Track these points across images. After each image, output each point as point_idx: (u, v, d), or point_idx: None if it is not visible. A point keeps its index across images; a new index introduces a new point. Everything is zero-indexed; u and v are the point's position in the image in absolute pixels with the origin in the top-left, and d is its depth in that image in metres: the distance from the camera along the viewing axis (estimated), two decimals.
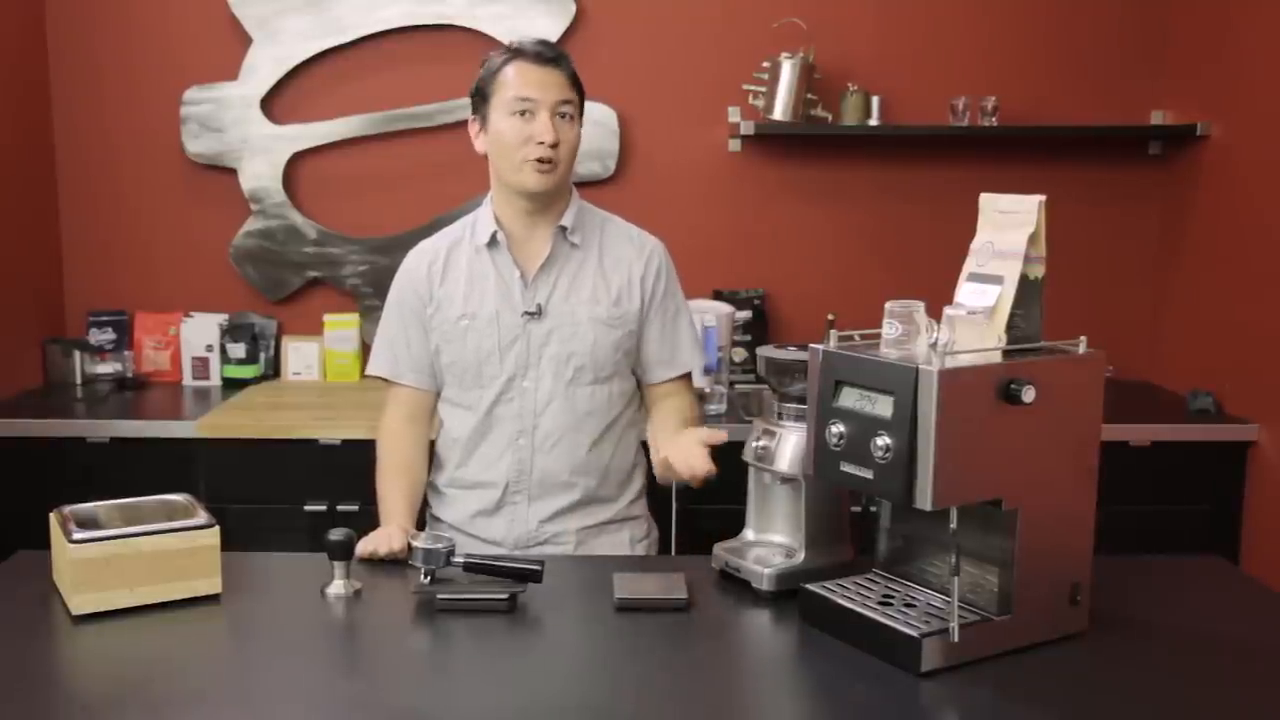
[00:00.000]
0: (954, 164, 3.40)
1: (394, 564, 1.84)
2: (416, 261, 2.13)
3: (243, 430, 2.87)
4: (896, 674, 1.46)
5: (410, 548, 1.71)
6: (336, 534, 1.71)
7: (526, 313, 2.04)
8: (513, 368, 2.05)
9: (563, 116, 1.98)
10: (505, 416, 2.06)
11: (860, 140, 3.38)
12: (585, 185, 3.31)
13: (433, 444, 2.17)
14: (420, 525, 2.10)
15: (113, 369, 3.31)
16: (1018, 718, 1.39)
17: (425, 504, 2.16)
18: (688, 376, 2.17)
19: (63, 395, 3.18)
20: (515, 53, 2.00)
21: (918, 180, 3.44)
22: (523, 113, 1.96)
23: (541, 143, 1.96)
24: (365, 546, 1.85)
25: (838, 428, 1.51)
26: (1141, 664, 1.51)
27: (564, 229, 2.06)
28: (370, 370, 2.18)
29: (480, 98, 2.03)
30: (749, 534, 1.82)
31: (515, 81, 1.97)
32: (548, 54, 2.00)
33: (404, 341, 2.12)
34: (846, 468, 1.50)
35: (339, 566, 1.72)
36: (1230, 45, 3.10)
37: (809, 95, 3.23)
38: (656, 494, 2.25)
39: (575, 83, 2.02)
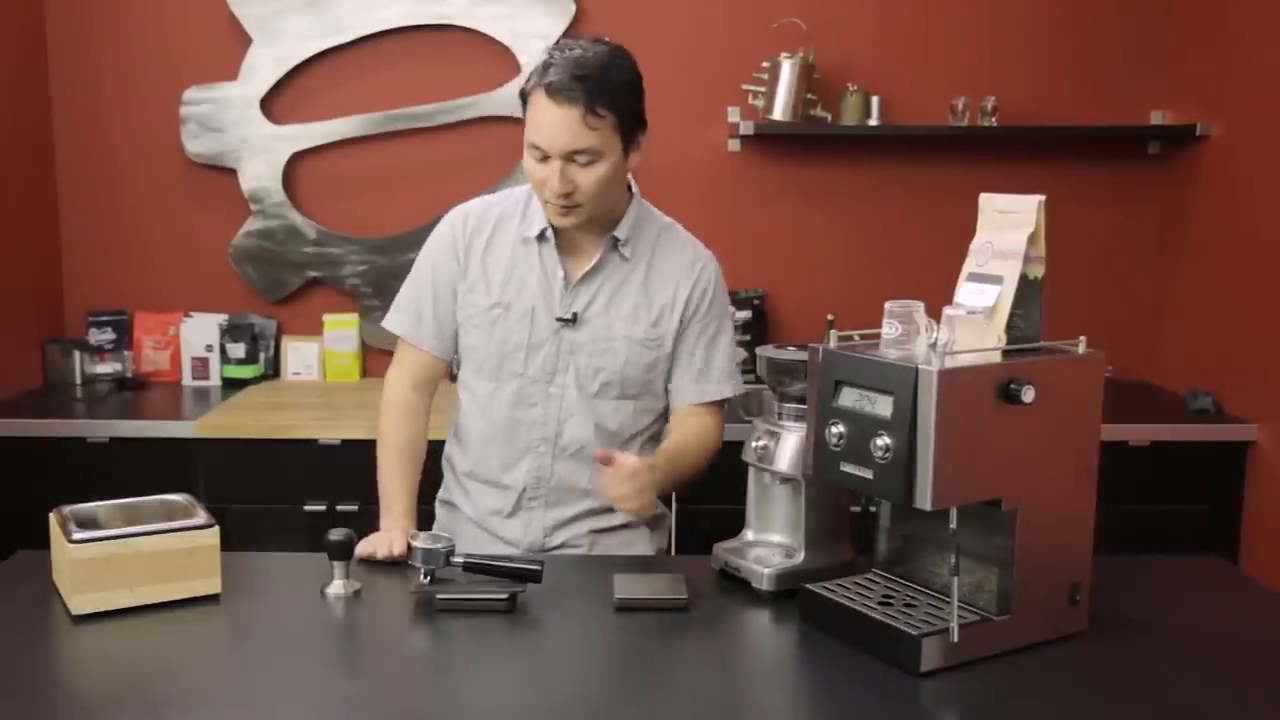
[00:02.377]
0: (954, 164, 3.40)
1: (394, 564, 1.83)
2: (462, 225, 2.04)
3: (242, 430, 2.87)
4: (896, 674, 1.46)
5: (410, 548, 1.70)
6: (336, 534, 1.71)
7: (561, 319, 1.98)
8: (537, 370, 2.00)
9: (580, 163, 1.85)
10: (528, 421, 2.01)
11: (860, 140, 3.38)
12: None
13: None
14: (426, 520, 2.08)
15: (112, 369, 3.31)
16: (1018, 718, 1.39)
17: (439, 484, 2.14)
18: (719, 404, 2.07)
19: (62, 395, 3.18)
20: (541, 76, 1.84)
21: (917, 180, 3.44)
22: (539, 158, 1.86)
23: (552, 189, 1.87)
24: (365, 548, 1.85)
25: (837, 428, 1.51)
26: (1141, 664, 1.51)
27: (616, 240, 1.98)
28: (388, 324, 2.09)
29: (524, 110, 1.90)
30: (749, 534, 1.82)
31: (532, 119, 1.85)
32: (565, 88, 1.81)
33: (430, 303, 2.05)
34: (846, 468, 1.50)
35: (339, 566, 1.71)
36: (1230, 45, 3.10)
37: (809, 95, 3.23)
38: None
39: (606, 109, 1.82)
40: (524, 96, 1.89)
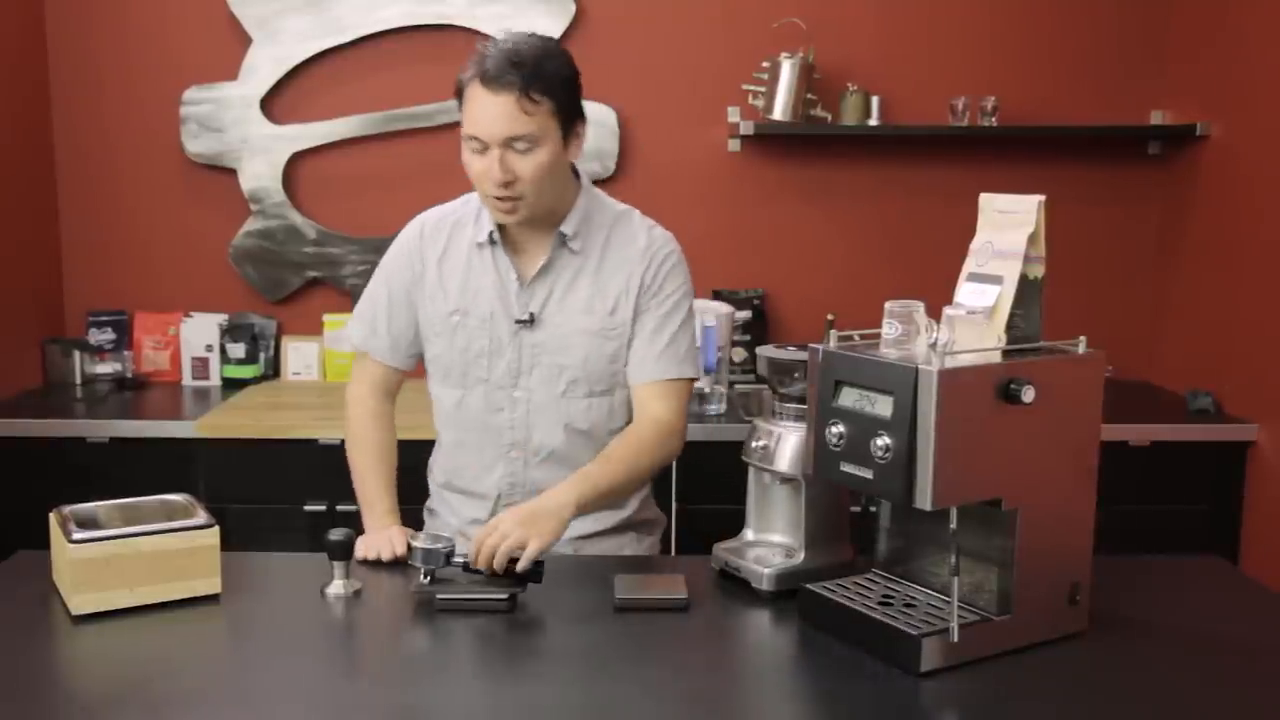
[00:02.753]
0: (954, 164, 3.40)
1: (394, 564, 1.84)
2: (416, 235, 2.05)
3: (242, 430, 2.87)
4: (896, 674, 1.46)
5: (410, 548, 1.70)
6: (336, 534, 1.71)
7: (519, 321, 1.97)
8: (502, 375, 1.98)
9: (519, 151, 1.83)
10: (496, 426, 2.00)
11: (860, 140, 3.38)
12: None
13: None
14: (412, 523, 2.08)
15: (112, 369, 3.31)
16: (1018, 718, 1.39)
17: (419, 489, 2.13)
18: (672, 385, 1.99)
19: (62, 395, 3.18)
20: (477, 68, 1.83)
21: (917, 180, 3.44)
22: (476, 149, 1.85)
23: (492, 180, 1.85)
24: (366, 551, 1.85)
25: (838, 428, 1.51)
26: (1141, 664, 1.51)
27: (564, 235, 1.98)
28: (346, 332, 2.10)
29: (460, 106, 1.91)
30: (749, 534, 1.82)
31: (469, 112, 1.85)
32: (499, 76, 1.80)
33: (386, 316, 2.05)
34: (846, 468, 1.50)
35: (339, 566, 1.71)
36: (1230, 45, 3.10)
37: (809, 95, 3.23)
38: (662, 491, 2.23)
39: (541, 94, 1.82)
40: (459, 93, 1.89)
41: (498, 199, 1.87)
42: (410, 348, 2.07)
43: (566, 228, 1.97)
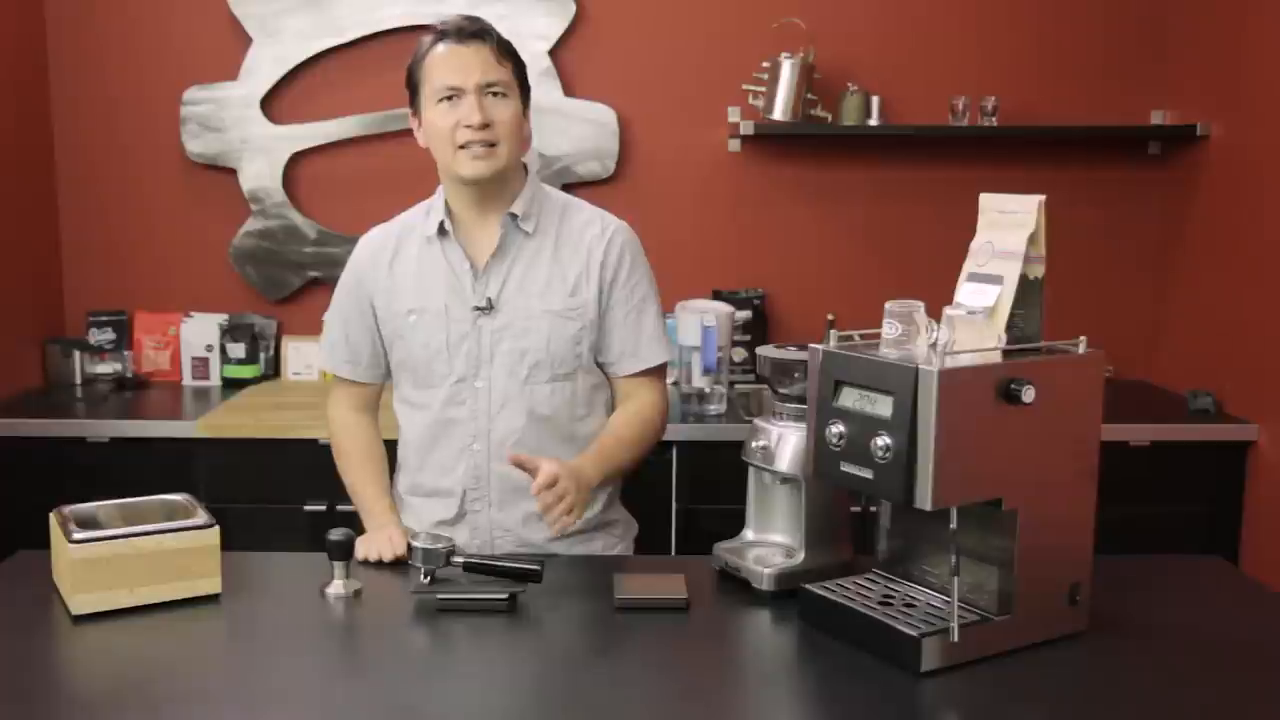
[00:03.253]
0: (954, 164, 3.41)
1: (394, 564, 1.84)
2: (365, 249, 2.07)
3: (243, 430, 2.87)
4: (896, 674, 1.46)
5: (410, 548, 1.70)
6: (336, 534, 1.71)
7: (477, 307, 1.95)
8: (463, 367, 1.97)
9: (494, 95, 1.88)
10: (457, 419, 1.98)
11: (860, 140, 3.38)
12: (585, 185, 3.31)
13: (393, 445, 2.12)
14: None
15: (113, 369, 3.31)
16: (1018, 718, 1.39)
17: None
18: (656, 371, 2.05)
19: (63, 395, 3.19)
20: (438, 35, 1.91)
21: (917, 180, 3.44)
22: (450, 99, 1.88)
23: (470, 126, 1.87)
24: (366, 552, 1.85)
25: (838, 428, 1.51)
26: (1141, 664, 1.51)
27: (514, 216, 1.96)
28: (318, 362, 2.14)
29: (412, 90, 1.96)
30: (749, 534, 1.82)
31: (439, 67, 1.89)
32: (468, 29, 1.89)
33: (342, 334, 2.07)
34: (846, 468, 1.50)
35: (339, 566, 1.72)
36: (1230, 45, 3.10)
37: (809, 95, 3.23)
38: (649, 493, 2.22)
39: (506, 55, 1.91)
40: (414, 70, 1.94)
41: (474, 144, 1.88)
42: (373, 360, 2.08)
43: (516, 208, 1.97)
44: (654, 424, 2.02)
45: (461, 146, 1.89)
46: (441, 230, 1.98)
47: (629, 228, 2.06)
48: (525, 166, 2.03)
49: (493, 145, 1.89)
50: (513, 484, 1.93)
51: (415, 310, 1.98)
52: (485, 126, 1.87)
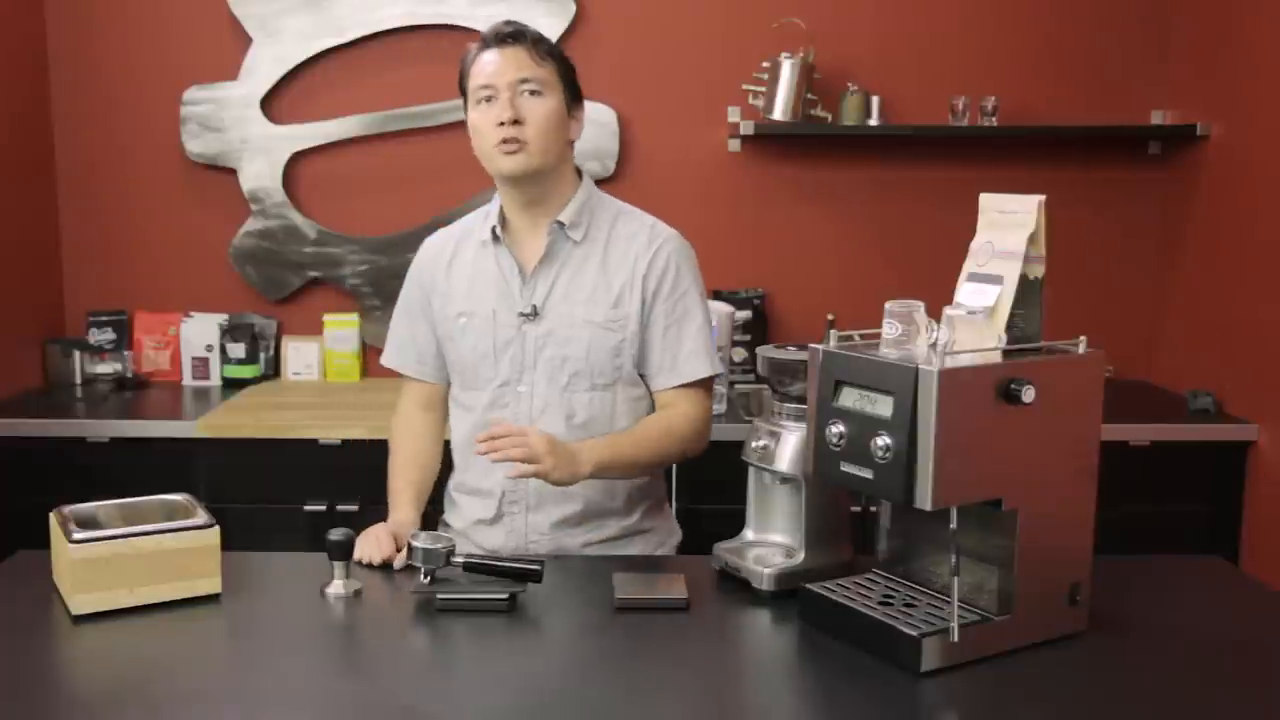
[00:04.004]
0: (954, 164, 3.41)
1: (394, 563, 1.83)
2: (426, 251, 2.12)
3: (243, 430, 2.87)
4: (896, 674, 1.46)
5: (410, 548, 1.70)
6: (336, 534, 1.71)
7: (522, 314, 1.99)
8: (507, 371, 2.00)
9: (530, 94, 1.92)
10: (501, 422, 1.99)
11: (860, 140, 3.38)
12: None
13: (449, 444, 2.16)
14: (430, 525, 2.08)
15: (113, 369, 3.30)
16: (1018, 718, 1.39)
17: (440, 509, 2.16)
18: (696, 386, 2.02)
19: (63, 395, 3.18)
20: (481, 43, 1.97)
21: (917, 180, 3.44)
22: (487, 99, 1.93)
23: (501, 123, 1.90)
24: (360, 553, 1.84)
25: (838, 428, 1.51)
26: (1141, 664, 1.51)
27: (560, 224, 1.98)
28: (382, 359, 2.20)
29: (463, 97, 2.01)
30: (749, 534, 1.82)
31: (478, 71, 1.95)
32: (505, 32, 1.95)
33: (410, 333, 2.13)
34: (846, 468, 1.50)
35: (339, 566, 1.72)
36: (1231, 45, 3.10)
37: (809, 95, 3.23)
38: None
39: (546, 55, 1.96)
40: (461, 78, 1.99)
41: (504, 141, 1.91)
42: (436, 360, 2.12)
43: (564, 216, 1.99)
44: (679, 435, 1.99)
45: (498, 144, 1.92)
46: (494, 235, 2.02)
47: (679, 237, 2.05)
48: (580, 173, 2.06)
49: (524, 142, 1.91)
50: (548, 488, 1.95)
51: (466, 313, 2.02)
52: (516, 123, 1.90)
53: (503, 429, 1.81)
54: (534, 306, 1.98)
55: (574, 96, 2.00)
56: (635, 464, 1.97)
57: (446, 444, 2.16)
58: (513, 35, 1.95)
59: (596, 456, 1.88)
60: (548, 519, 2.01)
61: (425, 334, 2.10)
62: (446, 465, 2.17)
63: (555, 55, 1.98)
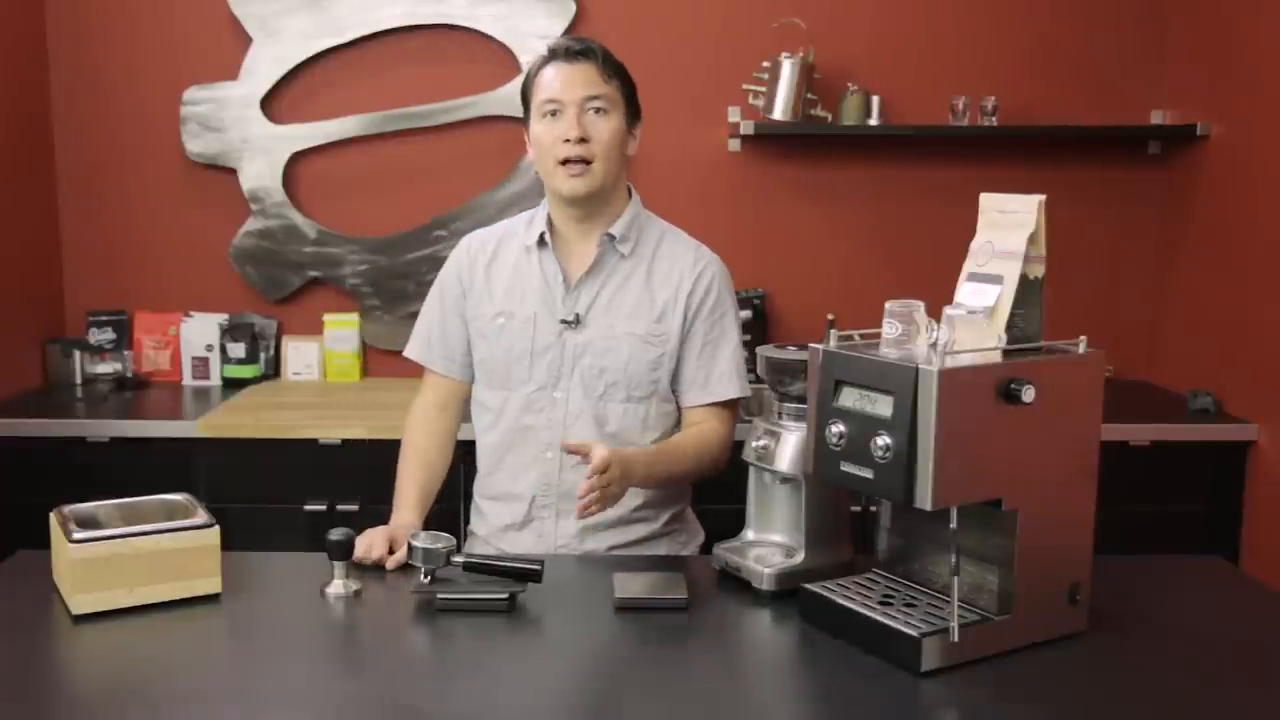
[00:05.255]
0: (954, 164, 3.40)
1: (397, 562, 1.83)
2: (466, 249, 2.12)
3: (243, 430, 2.87)
4: (896, 674, 1.46)
5: (410, 547, 1.70)
6: (336, 534, 1.71)
7: (564, 321, 2.00)
8: (544, 376, 2.01)
9: (596, 111, 1.94)
10: (535, 427, 2.02)
11: (860, 140, 3.38)
12: None
13: (470, 448, 2.16)
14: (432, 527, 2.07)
15: (113, 369, 3.30)
16: (1018, 718, 1.39)
17: (446, 510, 2.16)
18: (726, 405, 2.06)
19: (63, 395, 3.18)
20: (548, 55, 1.98)
21: (917, 180, 3.44)
22: (553, 114, 1.94)
23: (568, 140, 1.92)
24: (358, 553, 1.84)
25: (838, 428, 1.51)
26: (1141, 664, 1.51)
27: (611, 237, 2.01)
28: (405, 351, 2.19)
29: (525, 106, 2.02)
30: (749, 534, 1.82)
31: (544, 84, 1.96)
32: (574, 48, 1.96)
33: (440, 328, 2.12)
34: (846, 468, 1.50)
35: (339, 566, 1.72)
36: (1230, 45, 3.10)
37: (809, 95, 3.23)
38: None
39: (613, 74, 1.97)
40: (525, 89, 1.99)
41: (570, 161, 1.92)
42: (465, 358, 2.12)
43: (615, 229, 2.01)
44: (712, 451, 2.02)
45: (562, 163, 1.93)
46: (541, 241, 2.03)
47: (720, 262, 2.10)
48: (631, 190, 2.08)
49: (589, 163, 1.93)
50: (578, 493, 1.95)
51: (504, 314, 2.03)
52: (583, 141, 1.92)
53: (584, 486, 1.77)
54: (576, 314, 2.00)
55: (634, 114, 2.03)
56: (672, 478, 2.00)
57: (460, 445, 2.16)
58: (582, 52, 1.96)
59: (646, 470, 1.89)
60: (578, 524, 2.00)
61: (457, 329, 2.10)
62: (470, 472, 2.17)
63: (620, 73, 2.00)
